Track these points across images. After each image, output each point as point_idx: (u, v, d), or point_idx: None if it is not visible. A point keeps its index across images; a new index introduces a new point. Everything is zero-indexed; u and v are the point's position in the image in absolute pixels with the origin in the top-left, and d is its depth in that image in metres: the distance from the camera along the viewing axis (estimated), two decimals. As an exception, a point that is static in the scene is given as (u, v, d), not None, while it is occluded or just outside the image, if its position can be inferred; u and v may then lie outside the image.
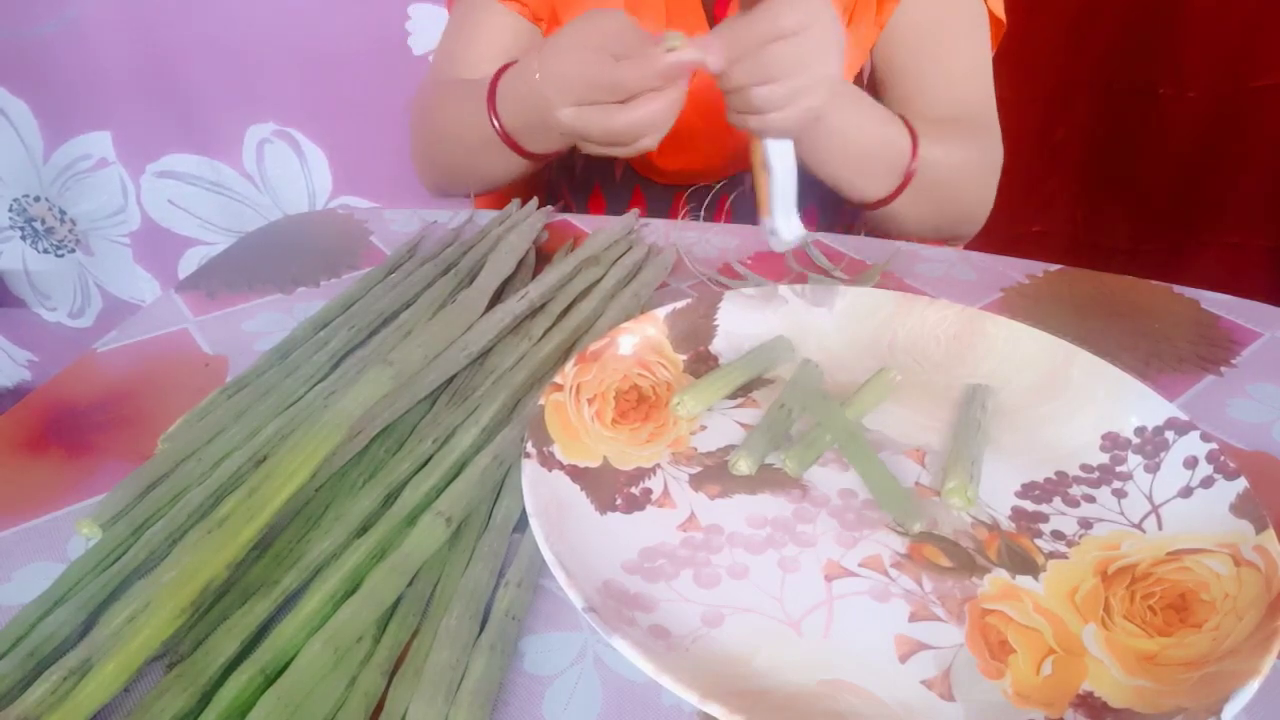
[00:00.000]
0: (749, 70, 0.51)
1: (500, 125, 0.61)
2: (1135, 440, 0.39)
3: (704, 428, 0.42)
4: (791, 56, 0.51)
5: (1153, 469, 0.38)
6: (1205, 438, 0.37)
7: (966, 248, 0.66)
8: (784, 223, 0.55)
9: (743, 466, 0.39)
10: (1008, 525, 0.36)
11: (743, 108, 0.53)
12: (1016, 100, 0.73)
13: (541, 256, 0.59)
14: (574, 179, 0.81)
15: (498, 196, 0.88)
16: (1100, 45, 1.17)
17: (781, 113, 0.52)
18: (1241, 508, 0.34)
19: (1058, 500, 0.38)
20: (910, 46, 0.71)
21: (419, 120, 0.75)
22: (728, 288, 0.52)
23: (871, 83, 0.76)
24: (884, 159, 0.63)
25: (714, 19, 0.71)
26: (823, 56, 0.53)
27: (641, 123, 0.52)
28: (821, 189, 0.76)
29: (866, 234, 0.84)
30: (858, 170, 0.64)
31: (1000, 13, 0.72)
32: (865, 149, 0.62)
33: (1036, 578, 0.34)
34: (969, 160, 0.69)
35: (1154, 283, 0.58)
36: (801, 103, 0.52)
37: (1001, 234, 0.72)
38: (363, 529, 0.36)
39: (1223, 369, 0.49)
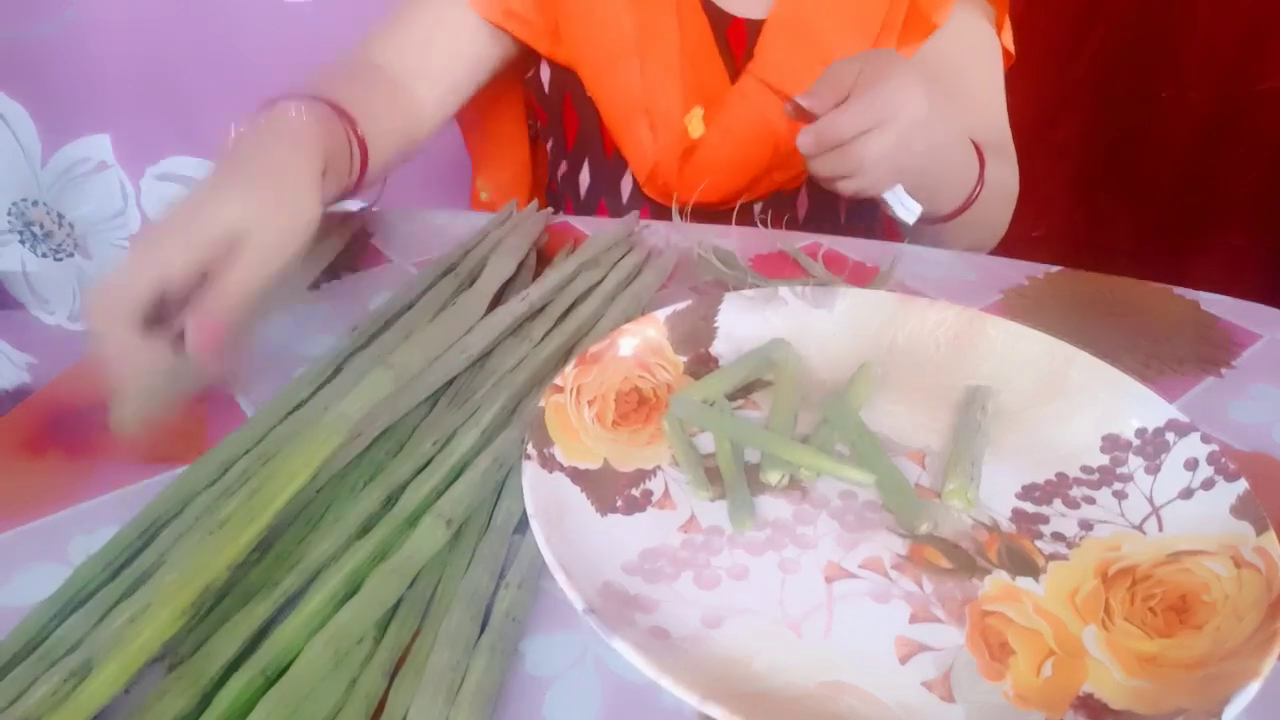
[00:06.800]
0: (833, 165, 0.54)
1: None
2: (1135, 442, 0.39)
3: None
4: (874, 149, 0.52)
5: (1153, 470, 0.38)
6: (1206, 439, 0.37)
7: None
8: (906, 196, 0.58)
9: (771, 477, 0.38)
10: (1008, 527, 0.36)
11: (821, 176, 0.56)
12: (1016, 104, 0.74)
13: (542, 259, 0.59)
14: (579, 199, 0.80)
15: (498, 198, 0.88)
16: (1100, 47, 1.18)
17: (856, 185, 0.55)
18: (1242, 509, 0.34)
19: (1058, 502, 0.38)
20: (936, 79, 0.71)
21: None
22: (727, 286, 0.52)
23: None
24: (956, 185, 0.64)
25: (726, 46, 0.71)
26: (904, 141, 0.53)
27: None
28: (817, 195, 0.76)
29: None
30: (931, 195, 0.64)
31: (1010, 46, 0.74)
32: (944, 179, 0.63)
33: (1037, 579, 0.34)
34: (1007, 185, 0.71)
35: (1154, 284, 0.58)
36: (876, 184, 0.55)
37: (1004, 238, 0.73)
38: (363, 531, 0.36)
39: (1223, 370, 0.49)
